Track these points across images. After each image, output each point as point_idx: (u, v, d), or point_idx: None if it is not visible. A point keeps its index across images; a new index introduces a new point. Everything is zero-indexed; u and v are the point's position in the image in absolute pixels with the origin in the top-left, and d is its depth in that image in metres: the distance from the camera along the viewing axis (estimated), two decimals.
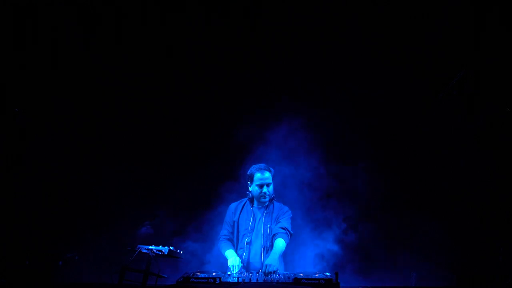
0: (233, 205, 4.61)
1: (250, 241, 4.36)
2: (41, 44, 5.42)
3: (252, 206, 4.49)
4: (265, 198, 4.40)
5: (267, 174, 4.41)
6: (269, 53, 5.74)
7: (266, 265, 3.95)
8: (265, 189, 4.38)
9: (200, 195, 5.66)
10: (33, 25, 5.31)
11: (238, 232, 4.47)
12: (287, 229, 4.35)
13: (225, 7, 5.55)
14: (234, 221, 4.50)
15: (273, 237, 4.32)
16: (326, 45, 5.66)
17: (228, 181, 5.31)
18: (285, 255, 4.47)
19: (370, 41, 5.59)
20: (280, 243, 4.22)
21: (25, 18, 5.24)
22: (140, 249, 3.60)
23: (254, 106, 5.87)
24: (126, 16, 5.54)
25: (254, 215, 4.45)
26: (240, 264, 4.14)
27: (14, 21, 5.22)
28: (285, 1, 5.58)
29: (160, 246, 3.64)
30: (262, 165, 4.47)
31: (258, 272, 3.91)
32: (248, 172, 4.49)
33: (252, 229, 4.39)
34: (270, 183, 4.42)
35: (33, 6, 5.19)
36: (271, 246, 4.32)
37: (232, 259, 4.15)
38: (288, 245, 4.34)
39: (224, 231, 4.52)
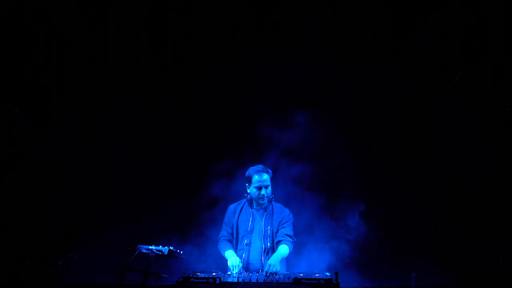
0: (232, 207, 4.59)
1: (250, 242, 4.35)
2: (41, 43, 5.41)
3: (251, 208, 4.48)
4: (263, 200, 4.39)
5: (265, 176, 4.39)
6: (268, 54, 5.74)
7: (270, 265, 3.96)
8: (263, 191, 4.36)
9: (200, 196, 5.66)
10: (33, 24, 5.30)
11: (237, 233, 4.45)
12: (292, 236, 4.35)
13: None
14: (233, 223, 4.48)
15: (278, 243, 4.31)
16: (326, 45, 5.66)
17: (227, 182, 5.30)
18: (287, 257, 4.45)
19: (370, 41, 5.59)
20: (284, 249, 4.22)
21: (26, 17, 5.23)
22: (140, 249, 3.60)
23: (254, 107, 5.89)
24: (126, 14, 5.53)
25: (253, 216, 4.44)
26: (240, 264, 4.14)
27: (15, 21, 5.22)
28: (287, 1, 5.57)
29: (160, 246, 3.64)
30: (260, 166, 4.45)
31: (258, 272, 3.90)
32: (246, 174, 4.47)
33: (252, 230, 4.38)
34: (269, 185, 4.40)
35: (34, 5, 5.18)
36: (272, 247, 4.31)
37: (232, 259, 4.15)
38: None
39: (224, 232, 4.51)
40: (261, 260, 4.28)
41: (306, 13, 5.47)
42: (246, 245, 4.33)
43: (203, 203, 5.43)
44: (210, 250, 4.88)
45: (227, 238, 4.48)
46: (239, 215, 4.48)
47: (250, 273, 3.94)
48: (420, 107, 5.77)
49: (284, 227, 4.39)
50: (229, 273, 4.01)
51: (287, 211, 4.51)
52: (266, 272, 3.86)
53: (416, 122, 5.78)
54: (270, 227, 4.37)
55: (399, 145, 5.81)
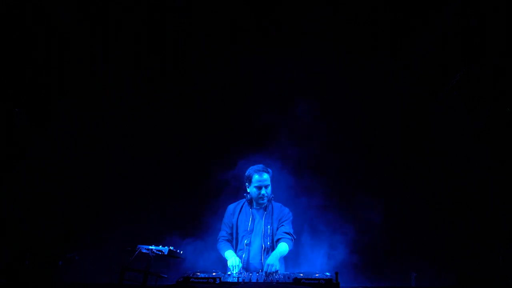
0: (231, 207, 4.57)
1: (250, 242, 4.34)
2: (41, 43, 5.41)
3: (251, 208, 4.46)
4: (263, 199, 4.37)
5: (266, 176, 4.37)
6: (268, 54, 5.74)
7: (268, 265, 3.94)
8: (263, 191, 4.35)
9: (200, 195, 5.67)
10: (33, 24, 5.30)
11: (237, 233, 4.43)
12: (291, 234, 4.34)
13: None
14: (233, 223, 4.46)
15: (277, 241, 4.30)
16: (326, 45, 5.66)
17: (227, 181, 5.31)
18: (286, 256, 4.45)
19: (370, 41, 5.59)
20: (284, 247, 4.20)
21: (26, 17, 5.23)
22: (140, 249, 3.60)
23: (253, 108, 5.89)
24: (126, 14, 5.53)
25: (253, 216, 4.42)
26: (240, 264, 4.13)
27: (15, 21, 5.22)
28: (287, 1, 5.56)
29: (160, 246, 3.64)
30: (260, 166, 4.43)
31: (258, 272, 3.90)
32: (246, 173, 4.45)
33: (252, 230, 4.37)
34: (269, 185, 4.38)
35: (34, 5, 5.18)
36: (272, 246, 4.30)
37: (232, 259, 4.15)
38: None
39: (223, 232, 4.49)
40: (261, 260, 4.27)
41: (306, 13, 5.47)
42: (246, 245, 4.31)
43: (203, 203, 5.43)
44: (210, 250, 4.87)
45: (227, 238, 4.46)
46: (238, 215, 4.46)
47: (250, 273, 3.94)
48: (420, 107, 5.77)
49: (283, 225, 4.38)
50: (229, 273, 4.00)
51: (286, 209, 4.49)
52: (266, 272, 3.86)
53: (416, 122, 5.78)
54: (270, 227, 4.36)
55: (399, 145, 5.81)
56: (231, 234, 4.47)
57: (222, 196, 5.20)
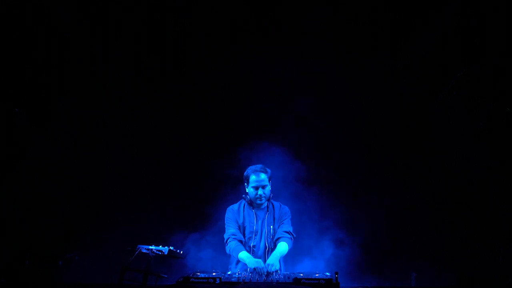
0: (234, 208, 4.47)
1: (256, 243, 4.30)
2: (41, 43, 5.41)
3: (252, 208, 4.43)
4: (260, 200, 4.32)
5: (263, 176, 4.31)
6: (268, 54, 5.74)
7: (268, 265, 3.93)
8: (260, 191, 4.29)
9: (199, 196, 5.67)
10: (33, 24, 5.30)
11: (244, 235, 4.37)
12: (291, 233, 4.32)
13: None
14: (239, 224, 4.38)
15: (277, 240, 4.27)
16: (326, 45, 5.66)
17: (227, 182, 5.31)
18: (286, 255, 4.45)
19: (370, 41, 5.59)
20: (283, 246, 4.19)
21: (26, 17, 5.23)
22: (140, 249, 3.60)
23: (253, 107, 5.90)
24: (126, 14, 5.53)
25: (256, 217, 4.39)
26: (263, 264, 3.98)
27: (15, 21, 5.22)
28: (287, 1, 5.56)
29: (160, 246, 3.64)
30: (258, 166, 4.37)
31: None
32: (245, 173, 4.40)
33: (257, 231, 4.34)
34: (266, 185, 4.32)
35: (34, 5, 5.18)
36: (275, 247, 4.28)
37: (254, 262, 3.96)
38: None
39: (231, 229, 4.34)
40: (264, 260, 4.23)
41: (306, 13, 5.47)
42: (253, 246, 4.27)
43: (203, 203, 5.43)
44: (210, 250, 4.87)
45: (237, 237, 4.29)
46: (243, 216, 4.41)
47: (250, 272, 3.93)
48: (420, 107, 5.78)
49: (283, 223, 4.36)
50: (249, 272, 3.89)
51: (286, 208, 4.46)
52: (266, 271, 3.85)
53: (416, 122, 5.78)
54: (272, 227, 4.34)
55: (399, 145, 5.81)
56: (241, 233, 4.36)
57: (222, 196, 5.20)
